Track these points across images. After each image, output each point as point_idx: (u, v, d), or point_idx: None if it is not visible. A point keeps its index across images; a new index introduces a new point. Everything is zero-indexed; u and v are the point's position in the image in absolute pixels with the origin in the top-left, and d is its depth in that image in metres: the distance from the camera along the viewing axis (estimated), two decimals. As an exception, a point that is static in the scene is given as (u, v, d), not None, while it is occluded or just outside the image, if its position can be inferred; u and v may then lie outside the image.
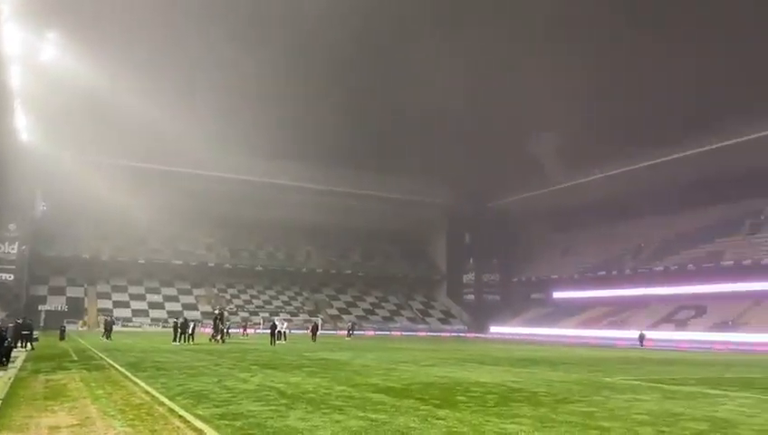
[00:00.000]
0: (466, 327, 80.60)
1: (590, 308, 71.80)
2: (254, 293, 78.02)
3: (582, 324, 68.16)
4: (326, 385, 13.50)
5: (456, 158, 78.34)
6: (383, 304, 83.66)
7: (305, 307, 77.43)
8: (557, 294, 78.86)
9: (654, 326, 59.24)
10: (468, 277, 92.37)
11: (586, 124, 67.99)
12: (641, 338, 46.16)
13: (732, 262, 59.71)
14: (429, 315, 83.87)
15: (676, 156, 63.95)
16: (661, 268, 66.08)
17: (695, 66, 60.16)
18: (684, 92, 63.31)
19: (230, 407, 10.08)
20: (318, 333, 43.25)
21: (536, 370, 19.93)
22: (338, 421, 8.77)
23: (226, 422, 8.58)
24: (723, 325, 54.98)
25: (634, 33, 62.98)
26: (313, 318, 63.75)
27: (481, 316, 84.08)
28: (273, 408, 10.00)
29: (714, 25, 58.77)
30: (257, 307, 74.25)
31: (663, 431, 8.58)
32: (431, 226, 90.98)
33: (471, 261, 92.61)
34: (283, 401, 10.76)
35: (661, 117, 68.02)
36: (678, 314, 61.36)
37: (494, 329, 78.12)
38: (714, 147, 60.59)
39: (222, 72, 65.80)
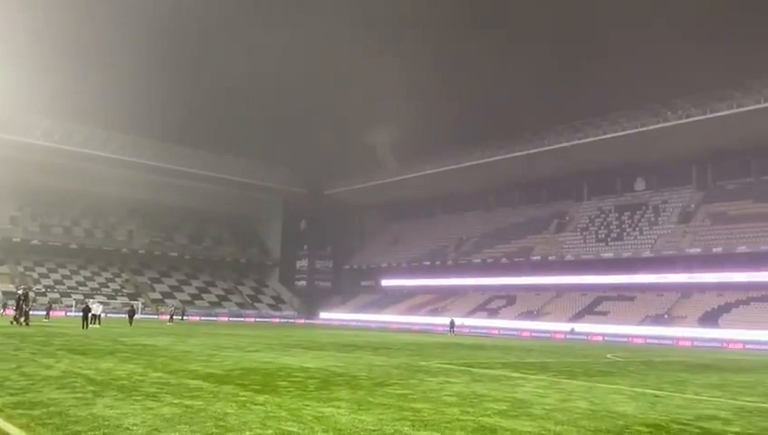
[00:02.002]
0: (297, 313, 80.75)
1: (415, 296, 75.45)
2: (67, 272, 71.65)
3: (407, 311, 71.39)
4: (140, 372, 12.81)
5: (295, 144, 78.16)
6: (211, 288, 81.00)
7: (125, 290, 72.68)
8: (385, 282, 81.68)
9: (470, 314, 63.82)
10: (301, 264, 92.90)
11: (418, 122, 71.33)
12: (451, 325, 49.67)
13: (539, 257, 65.83)
14: (259, 301, 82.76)
15: (495, 158, 69.02)
16: (479, 260, 71.10)
17: (519, 77, 65.49)
18: (507, 101, 68.66)
19: (28, 395, 9.19)
20: (135, 317, 41.33)
21: (360, 354, 20.54)
22: (150, 408, 8.37)
23: (22, 411, 7.81)
24: (528, 314, 60.62)
25: (469, 39, 66.89)
26: (133, 302, 60.13)
27: (312, 302, 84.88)
28: (78, 395, 9.28)
29: (543, 40, 64.26)
30: (70, 288, 68.33)
31: (468, 412, 9.24)
32: (266, 210, 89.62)
33: (305, 247, 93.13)
34: (91, 389, 10.04)
35: (484, 122, 73.26)
36: (491, 303, 66.57)
37: (325, 315, 79.29)
38: (528, 153, 66.17)
39: (40, 27, 59.35)
